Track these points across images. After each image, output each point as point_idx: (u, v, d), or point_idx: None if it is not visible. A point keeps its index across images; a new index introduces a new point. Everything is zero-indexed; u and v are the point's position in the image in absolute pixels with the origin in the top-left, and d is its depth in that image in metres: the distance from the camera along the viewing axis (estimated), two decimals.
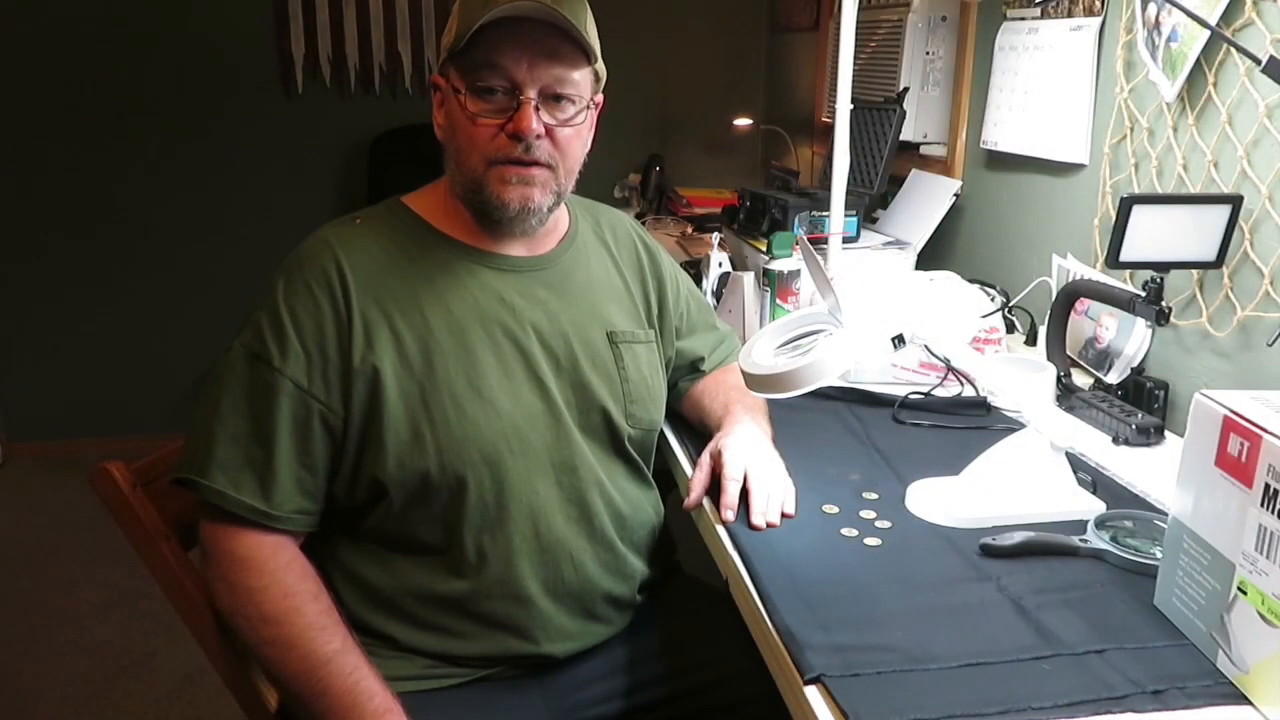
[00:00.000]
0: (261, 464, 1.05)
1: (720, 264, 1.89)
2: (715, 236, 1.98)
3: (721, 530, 1.10)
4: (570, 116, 1.12)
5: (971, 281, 1.70)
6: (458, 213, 1.18)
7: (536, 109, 1.08)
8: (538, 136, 1.09)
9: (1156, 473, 1.22)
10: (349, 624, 1.08)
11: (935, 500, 1.13)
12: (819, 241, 1.81)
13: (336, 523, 1.13)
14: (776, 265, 1.68)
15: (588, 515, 1.17)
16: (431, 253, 1.15)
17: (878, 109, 2.13)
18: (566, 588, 1.15)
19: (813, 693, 0.81)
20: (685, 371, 1.38)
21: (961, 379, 1.49)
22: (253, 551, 1.05)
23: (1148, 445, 1.32)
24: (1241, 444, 0.79)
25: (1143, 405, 1.42)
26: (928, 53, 2.14)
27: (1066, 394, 1.43)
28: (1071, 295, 1.46)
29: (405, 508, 1.10)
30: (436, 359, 1.10)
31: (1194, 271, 1.40)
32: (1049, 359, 1.44)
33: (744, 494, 1.12)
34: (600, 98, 1.17)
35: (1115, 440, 1.33)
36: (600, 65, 1.15)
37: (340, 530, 1.14)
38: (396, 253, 1.14)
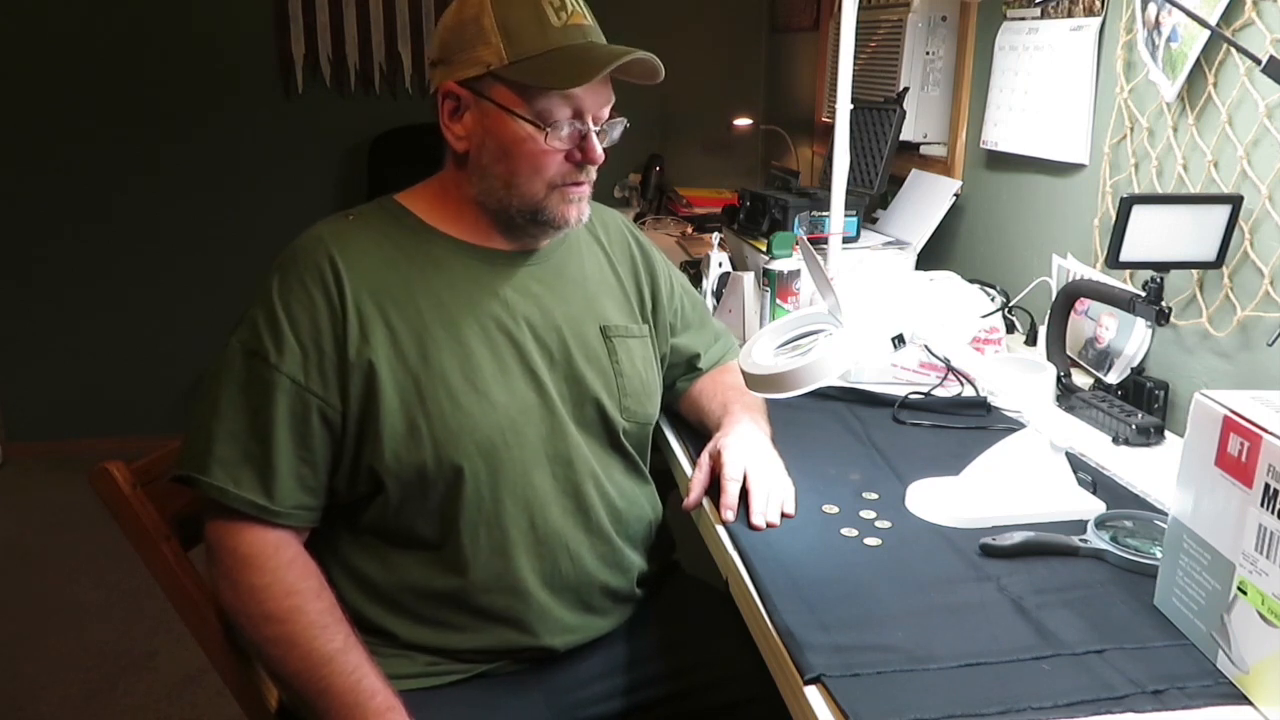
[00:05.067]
0: (260, 459, 1.05)
1: (720, 264, 1.89)
2: (715, 236, 1.98)
3: (721, 530, 1.10)
4: (614, 139, 1.17)
5: (971, 281, 1.70)
6: (459, 212, 1.18)
7: (599, 135, 1.13)
8: None
9: (1156, 473, 1.22)
10: (350, 620, 1.08)
11: (935, 500, 1.13)
12: (819, 241, 1.81)
13: (336, 518, 1.13)
14: (776, 265, 1.68)
15: (584, 508, 1.17)
16: (425, 247, 1.16)
17: (878, 109, 2.13)
18: (563, 580, 1.16)
19: (813, 693, 0.81)
20: (682, 370, 1.38)
21: (961, 379, 1.49)
22: (255, 549, 1.05)
23: (1148, 445, 1.32)
24: (1241, 444, 0.79)
25: (1143, 405, 1.42)
26: (928, 53, 2.14)
27: (1066, 394, 1.43)
28: (1071, 295, 1.46)
29: (402, 501, 1.10)
30: (431, 352, 1.10)
31: (1194, 271, 1.40)
32: (1049, 359, 1.44)
33: (744, 494, 1.12)
34: None
35: (1115, 440, 1.33)
36: None
37: (340, 525, 1.14)
38: (390, 248, 1.14)
